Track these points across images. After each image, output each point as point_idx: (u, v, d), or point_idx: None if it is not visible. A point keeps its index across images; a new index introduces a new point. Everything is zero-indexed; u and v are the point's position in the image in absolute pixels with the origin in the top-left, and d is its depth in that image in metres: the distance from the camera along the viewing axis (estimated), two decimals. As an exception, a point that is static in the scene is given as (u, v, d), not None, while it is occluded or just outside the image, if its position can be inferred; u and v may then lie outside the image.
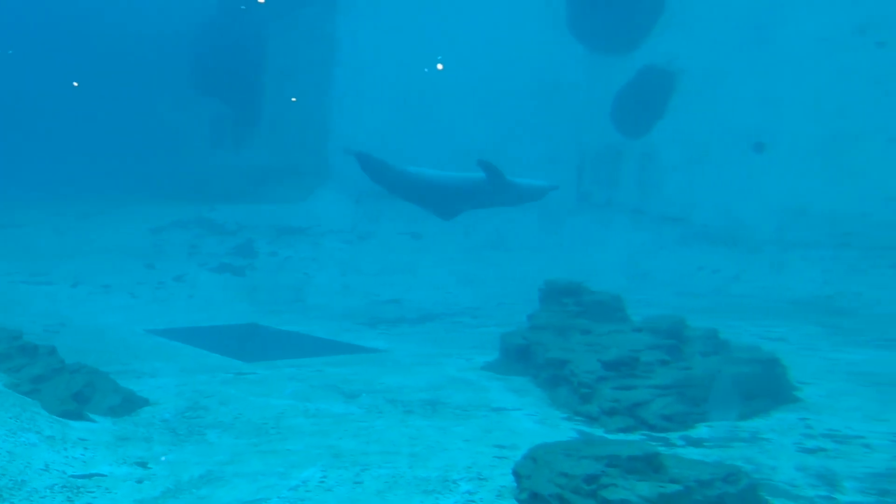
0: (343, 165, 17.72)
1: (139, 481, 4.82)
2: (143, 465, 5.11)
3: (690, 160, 12.81)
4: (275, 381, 7.64)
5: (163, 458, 5.12)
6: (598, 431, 5.34)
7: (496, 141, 16.16)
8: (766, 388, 5.62)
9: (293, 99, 17.94)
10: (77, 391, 5.94)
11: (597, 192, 14.74)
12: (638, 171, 13.47)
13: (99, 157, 19.97)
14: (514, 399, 6.62)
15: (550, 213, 15.52)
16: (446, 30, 16.30)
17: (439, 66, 16.18)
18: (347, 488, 4.62)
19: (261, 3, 19.46)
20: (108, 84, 20.72)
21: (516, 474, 4.06)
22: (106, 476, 4.79)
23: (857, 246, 10.89)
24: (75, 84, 20.64)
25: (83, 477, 4.73)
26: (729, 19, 12.82)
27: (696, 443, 5.08)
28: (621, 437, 4.82)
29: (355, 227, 16.32)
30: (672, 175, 13.39)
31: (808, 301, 10.44)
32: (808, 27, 11.92)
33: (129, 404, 6.31)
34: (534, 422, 5.84)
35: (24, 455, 4.59)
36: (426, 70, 16.29)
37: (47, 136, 20.64)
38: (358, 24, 17.41)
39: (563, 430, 5.52)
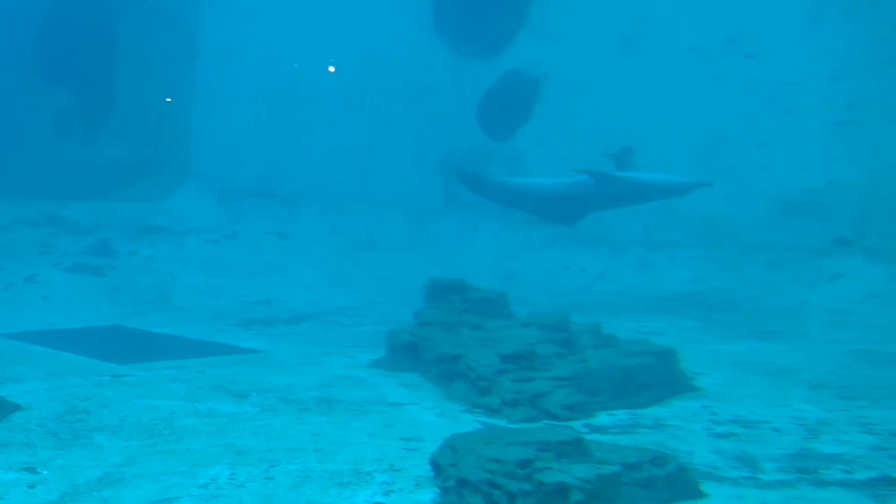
0: (206, 162, 17.26)
1: (31, 486, 4.57)
2: (31, 470, 4.84)
3: (556, 163, 13.35)
4: (156, 382, 7.39)
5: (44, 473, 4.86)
6: (500, 422, 5.54)
7: (364, 140, 16.22)
8: (661, 378, 6.00)
9: (168, 99, 17.23)
10: (-57, 397, 5.51)
11: (465, 192, 15.09)
12: (505, 173, 13.89)
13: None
14: (409, 394, 6.73)
15: (418, 214, 15.75)
16: (312, 27, 16.18)
17: (331, 69, 16.06)
18: (260, 484, 4.58)
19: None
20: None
21: (435, 464, 4.17)
22: (-7, 484, 4.52)
23: (729, 245, 11.72)
24: None
25: (-32, 486, 4.44)
26: (596, 28, 13.48)
27: (601, 430, 5.35)
28: (525, 426, 5.03)
29: (220, 226, 15.89)
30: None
31: (679, 298, 11.12)
32: (678, 38, 12.74)
33: None
34: (434, 415, 5.97)
35: None
36: (296, 65, 16.09)
37: None
38: (222, 16, 16.96)
39: (466, 421, 5.68)
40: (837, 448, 5.06)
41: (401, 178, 15.66)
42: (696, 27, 12.90)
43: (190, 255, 14.81)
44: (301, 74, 16.26)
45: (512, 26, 14.11)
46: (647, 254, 12.44)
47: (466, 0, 12.85)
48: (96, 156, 17.99)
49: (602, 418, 5.59)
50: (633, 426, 5.48)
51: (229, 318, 11.83)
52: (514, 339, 6.32)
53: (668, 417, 5.66)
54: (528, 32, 13.58)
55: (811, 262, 10.94)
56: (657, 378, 5.95)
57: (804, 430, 5.46)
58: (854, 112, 10.78)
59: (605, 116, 13.19)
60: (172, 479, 4.68)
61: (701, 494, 4.14)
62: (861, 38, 10.09)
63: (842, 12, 11.00)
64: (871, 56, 10.62)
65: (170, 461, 5.03)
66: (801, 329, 8.95)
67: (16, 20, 18.36)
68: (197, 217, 15.91)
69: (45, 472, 4.82)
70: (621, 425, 5.48)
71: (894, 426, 5.57)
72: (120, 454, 5.20)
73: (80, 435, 5.62)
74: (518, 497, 3.36)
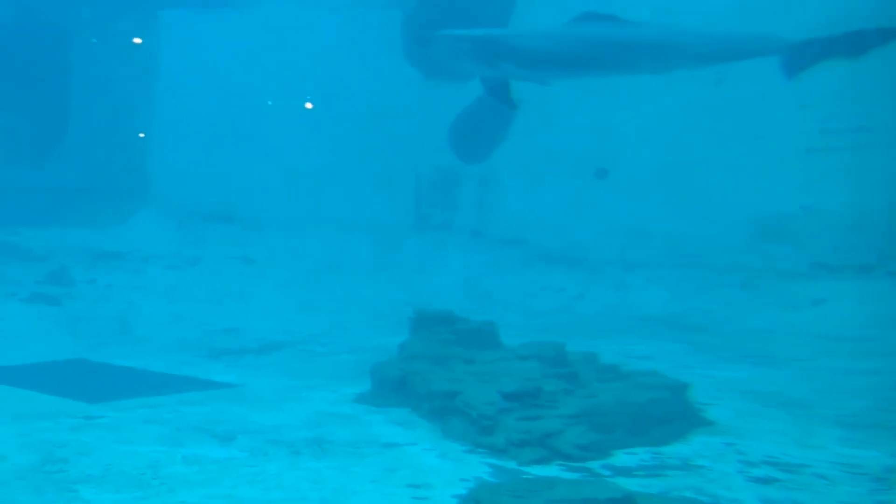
0: (164, 186, 16.83)
1: (21, 554, 4.26)
2: (17, 534, 4.52)
3: (528, 185, 13.34)
4: (132, 424, 7.05)
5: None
6: (509, 464, 5.37)
7: (329, 163, 16.00)
8: (675, 412, 5.90)
9: (141, 135, 16.74)
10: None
11: (434, 214, 14.99)
12: (477, 195, 13.83)
13: None
14: (403, 433, 6.53)
15: (386, 236, 15.56)
16: (277, 49, 15.95)
17: (308, 105, 15.79)
18: (270, 542, 4.34)
19: (66, 9, 18.02)
20: None
21: (462, 518, 3.97)
22: (-21, 551, 4.19)
23: (704, 266, 11.76)
24: None
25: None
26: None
27: (625, 472, 5.20)
28: (536, 468, 4.87)
29: (180, 251, 15.47)
30: (510, 199, 13.88)
31: (657, 318, 11.11)
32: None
33: (-27, 463, 5.55)
34: (435, 456, 5.78)
35: None
36: (270, 103, 15.85)
37: None
38: (181, 39, 16.61)
39: (472, 463, 5.50)
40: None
41: (368, 200, 15.47)
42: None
43: (150, 282, 14.36)
44: (265, 97, 15.99)
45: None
46: (624, 274, 12.44)
47: (438, 24, 12.75)
48: (46, 180, 17.42)
49: (621, 458, 5.43)
50: (660, 468, 5.29)
51: (196, 348, 11.46)
52: (512, 373, 6.17)
53: (694, 457, 5.47)
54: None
55: (787, 286, 11.04)
56: (672, 412, 5.83)
57: (868, 480, 5.07)
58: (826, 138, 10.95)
59: (576, 139, 13.21)
60: (174, 539, 4.41)
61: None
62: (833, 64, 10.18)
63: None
64: (843, 82, 10.80)
65: (166, 517, 4.75)
66: (792, 354, 8.95)
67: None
68: (156, 242, 15.48)
69: (32, 534, 4.50)
70: (646, 466, 5.31)
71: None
72: (112, 510, 4.90)
73: (64, 488, 5.29)
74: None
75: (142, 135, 17.01)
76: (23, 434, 6.66)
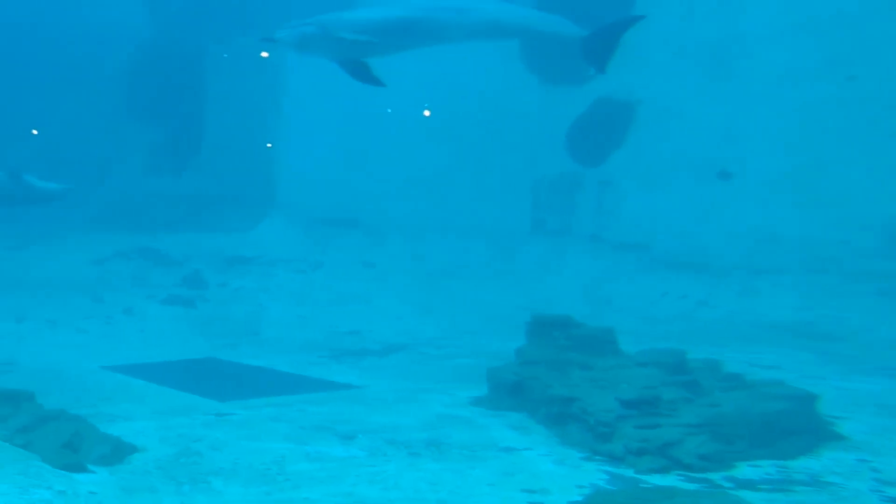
0: (291, 193, 17.49)
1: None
2: (159, 519, 4.83)
3: (650, 188, 13.07)
4: (259, 422, 7.37)
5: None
6: (627, 472, 5.30)
7: (447, 169, 16.18)
8: (803, 424, 5.66)
9: (269, 145, 17.54)
10: (67, 441, 5.58)
11: (552, 219, 14.90)
12: (595, 199, 13.67)
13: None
14: (519, 437, 6.54)
15: (503, 241, 15.59)
16: (396, 57, 16.23)
17: (426, 113, 16.12)
18: (389, 540, 4.45)
19: (201, 28, 19.01)
20: (37, 109, 19.88)
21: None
22: (124, 534, 4.50)
23: (836, 272, 11.17)
24: (35, 132, 19.78)
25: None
26: (688, 53, 13.20)
27: (748, 485, 5.03)
28: (655, 477, 4.79)
29: (305, 256, 16.02)
30: (631, 203, 13.64)
31: (785, 326, 10.63)
32: (774, 60, 12.35)
33: (119, 452, 5.97)
34: (552, 462, 5.76)
35: (41, 516, 4.28)
36: (389, 111, 16.22)
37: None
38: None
39: (589, 470, 5.46)
40: None
41: (485, 205, 15.55)
42: (790, 48, 12.46)
43: (277, 285, 14.94)
44: (385, 105, 16.35)
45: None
46: (750, 280, 11.96)
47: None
48: (184, 189, 18.43)
49: (744, 470, 5.24)
50: (786, 482, 5.09)
51: (320, 349, 11.85)
52: (630, 380, 6.08)
53: (824, 473, 5.24)
54: (620, 58, 13.32)
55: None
56: (800, 425, 5.58)
57: None
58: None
59: (698, 140, 12.84)
60: (299, 532, 4.59)
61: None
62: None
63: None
64: None
65: (292, 511, 4.95)
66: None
67: (109, 62, 19.01)
68: (283, 247, 16.09)
69: (173, 520, 4.80)
70: (771, 480, 5.12)
71: None
72: (241, 502, 5.14)
73: (198, 479, 5.60)
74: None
75: (269, 145, 17.75)
76: (162, 428, 7.09)
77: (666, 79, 13.35)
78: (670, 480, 5.04)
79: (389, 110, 16.54)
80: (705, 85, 12.81)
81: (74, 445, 5.63)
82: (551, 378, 6.93)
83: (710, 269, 12.29)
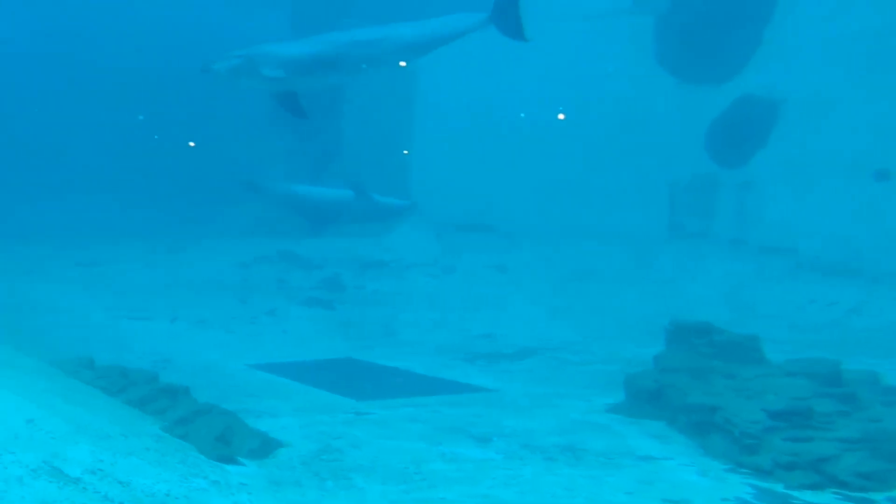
0: (424, 198, 17.80)
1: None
2: (304, 512, 5.01)
3: (797, 189, 12.45)
4: (396, 421, 7.52)
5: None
6: (776, 487, 5.07)
7: (581, 172, 16.01)
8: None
9: (405, 152, 18.00)
10: (220, 434, 5.89)
11: (690, 222, 14.46)
12: (736, 201, 13.15)
13: (180, 195, 20.29)
14: (658, 446, 6.37)
15: (639, 245, 15.25)
16: (531, 62, 16.25)
17: (560, 116, 16.11)
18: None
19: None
20: (182, 122, 21.12)
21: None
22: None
23: None
24: (191, 144, 21.14)
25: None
26: (836, 47, 12.50)
27: (913, 507, 4.75)
28: (807, 494, 4.54)
29: (439, 260, 16.23)
30: (775, 204, 13.05)
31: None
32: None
33: (266, 447, 6.25)
34: (694, 473, 5.58)
35: (199, 501, 4.53)
36: (522, 115, 16.26)
37: (128, 177, 21.04)
38: (437, 61, 17.47)
39: (733, 483, 5.26)
40: None
41: (620, 208, 15.27)
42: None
43: (412, 289, 15.20)
44: (518, 109, 16.37)
45: (744, 52, 13.40)
46: (908, 286, 11.19)
47: (693, 27, 12.41)
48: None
49: (908, 492, 4.93)
50: (955, 506, 4.76)
51: (454, 352, 11.96)
52: (778, 390, 5.80)
53: None
54: (763, 56, 12.87)
55: None
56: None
57: None
58: None
59: (850, 138, 12.11)
60: (438, 531, 4.64)
61: None
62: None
63: None
64: None
65: (431, 511, 5.02)
66: None
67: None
68: (417, 251, 16.36)
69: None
70: (942, 505, 4.78)
71: None
72: (381, 499, 5.26)
73: (340, 476, 5.78)
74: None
75: (406, 152, 18.11)
76: (304, 425, 7.36)
77: (815, 73, 12.69)
78: (825, 499, 4.78)
79: (523, 115, 16.55)
80: (860, 79, 12.08)
81: (226, 439, 5.93)
82: (692, 386, 6.72)
83: (863, 274, 11.56)
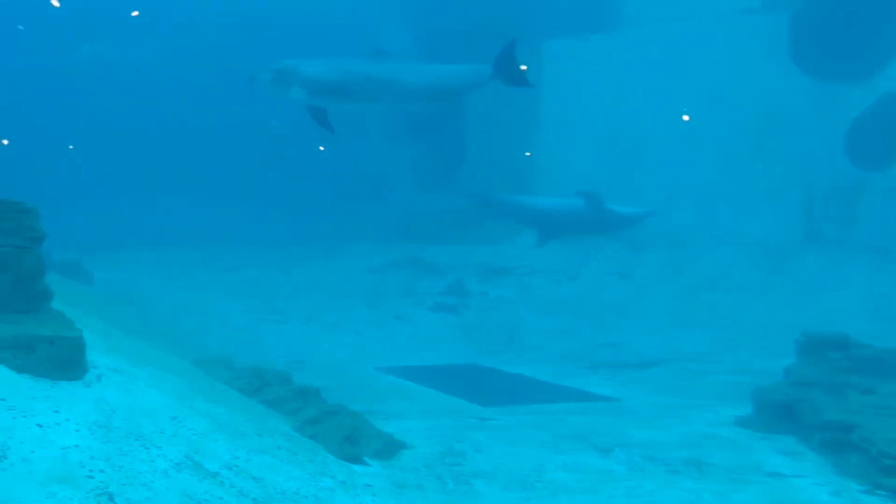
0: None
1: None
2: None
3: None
4: (519, 428, 7.58)
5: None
6: (918, 511, 4.83)
7: (712, 176, 15.57)
8: None
9: (527, 154, 18.13)
10: (347, 434, 6.13)
11: (829, 229, 13.79)
12: (882, 207, 12.42)
13: (313, 203, 21.08)
14: (789, 463, 6.16)
15: (772, 252, 14.68)
16: (660, 66, 15.95)
17: (685, 118, 15.82)
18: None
19: (461, 47, 19.86)
20: (312, 130, 21.88)
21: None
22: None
23: None
24: (321, 149, 21.98)
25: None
26: None
27: None
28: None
29: (563, 267, 16.18)
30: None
31: None
32: None
33: (391, 448, 6.44)
34: (827, 493, 5.37)
35: (326, 500, 4.75)
36: (649, 119, 16.02)
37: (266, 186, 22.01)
38: (564, 66, 17.42)
39: (869, 505, 5.04)
40: None
41: (752, 214, 14.74)
42: None
43: (535, 295, 15.24)
44: (644, 113, 16.10)
45: (887, 44, 12.67)
46: None
47: (830, 23, 11.88)
48: (447, 203, 19.39)
49: None
50: None
51: (577, 360, 11.92)
52: (922, 410, 5.49)
53: None
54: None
55: None
56: None
57: None
58: None
59: None
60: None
61: None
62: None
63: None
64: None
65: (551, 519, 5.06)
66: None
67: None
68: (540, 258, 16.36)
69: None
70: None
71: None
72: (502, 506, 5.35)
73: (461, 480, 5.90)
74: None
75: (528, 153, 18.13)
76: (429, 428, 7.54)
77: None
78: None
79: (649, 118, 16.27)
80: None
81: (353, 439, 6.17)
82: (826, 401, 6.46)
83: None
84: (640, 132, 16.32)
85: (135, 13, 19.14)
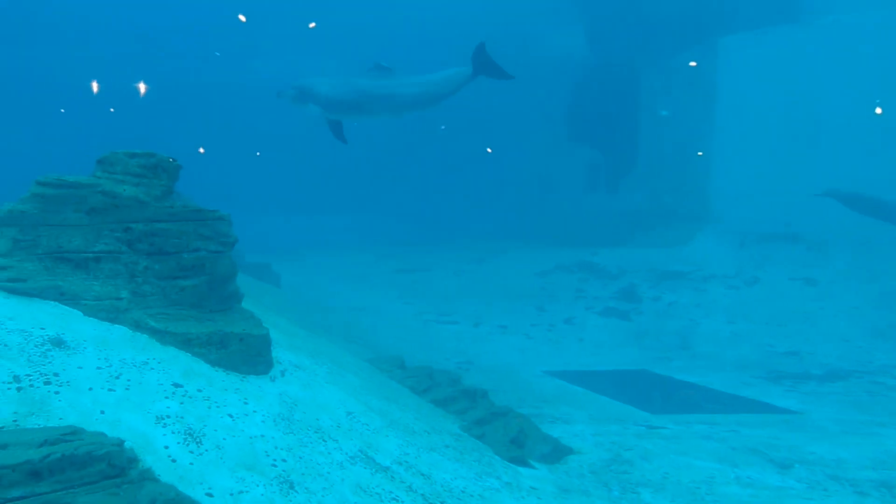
0: (725, 207, 17.08)
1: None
2: (593, 523, 5.13)
3: None
4: (690, 438, 7.36)
5: None
6: None
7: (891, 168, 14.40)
8: None
9: (699, 153, 17.65)
10: (514, 437, 6.20)
11: None
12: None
13: (485, 206, 21.44)
14: None
15: None
16: (836, 60, 14.94)
17: (878, 111, 14.83)
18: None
19: (637, 52, 19.46)
20: (485, 135, 22.20)
21: None
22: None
23: None
24: (489, 150, 22.42)
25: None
26: None
27: None
28: None
29: (740, 271, 15.50)
30: None
31: None
32: None
33: (557, 452, 6.46)
34: None
35: (492, 500, 4.85)
36: (825, 116, 15.10)
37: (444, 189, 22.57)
38: (739, 65, 16.70)
39: None
40: None
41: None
42: None
43: (710, 301, 14.68)
44: (818, 110, 15.14)
45: None
46: None
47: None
48: (619, 205, 19.10)
49: None
50: None
51: (754, 369, 11.39)
52: None
53: None
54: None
55: None
56: None
57: None
58: None
59: None
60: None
61: None
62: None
63: None
64: None
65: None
66: None
67: (553, 91, 20.53)
68: (716, 263, 15.76)
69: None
70: None
71: None
72: (668, 517, 5.23)
73: (628, 489, 5.82)
74: None
75: (700, 153, 17.52)
76: (596, 434, 7.48)
77: None
78: None
79: (825, 115, 15.28)
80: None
81: (520, 442, 6.24)
82: None
83: None
84: (820, 126, 15.35)
85: (312, 25, 20.27)
